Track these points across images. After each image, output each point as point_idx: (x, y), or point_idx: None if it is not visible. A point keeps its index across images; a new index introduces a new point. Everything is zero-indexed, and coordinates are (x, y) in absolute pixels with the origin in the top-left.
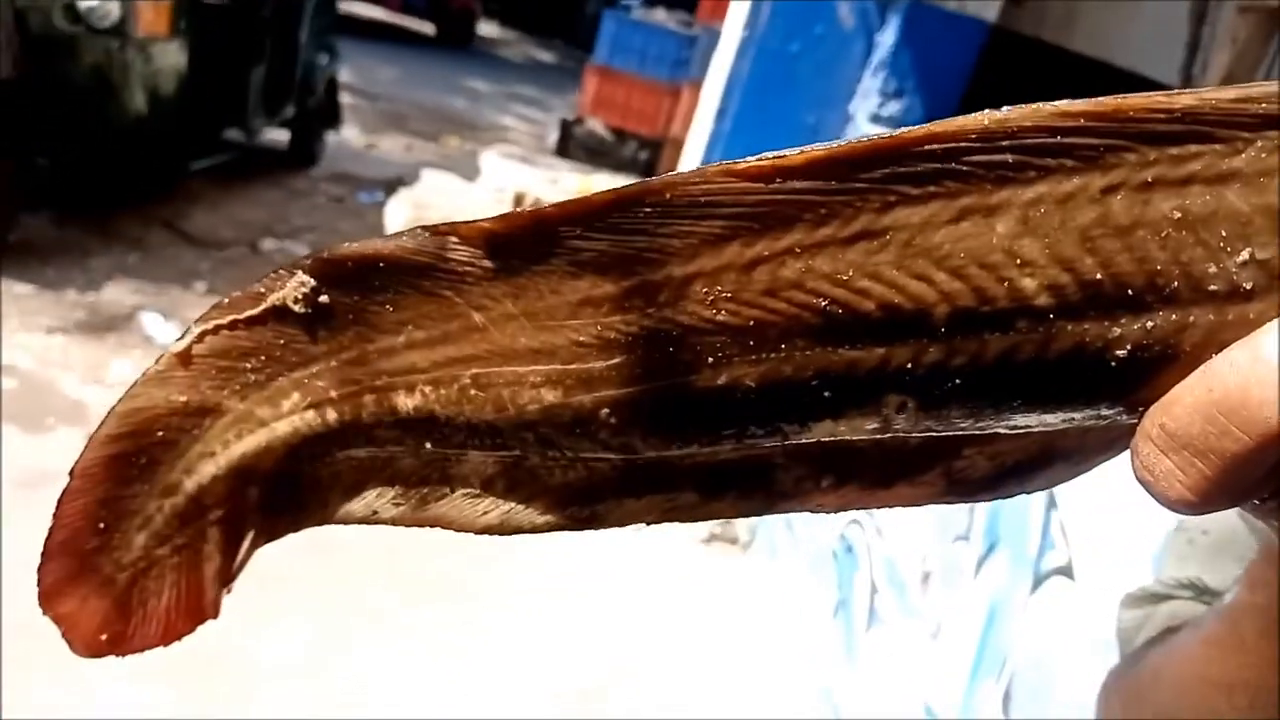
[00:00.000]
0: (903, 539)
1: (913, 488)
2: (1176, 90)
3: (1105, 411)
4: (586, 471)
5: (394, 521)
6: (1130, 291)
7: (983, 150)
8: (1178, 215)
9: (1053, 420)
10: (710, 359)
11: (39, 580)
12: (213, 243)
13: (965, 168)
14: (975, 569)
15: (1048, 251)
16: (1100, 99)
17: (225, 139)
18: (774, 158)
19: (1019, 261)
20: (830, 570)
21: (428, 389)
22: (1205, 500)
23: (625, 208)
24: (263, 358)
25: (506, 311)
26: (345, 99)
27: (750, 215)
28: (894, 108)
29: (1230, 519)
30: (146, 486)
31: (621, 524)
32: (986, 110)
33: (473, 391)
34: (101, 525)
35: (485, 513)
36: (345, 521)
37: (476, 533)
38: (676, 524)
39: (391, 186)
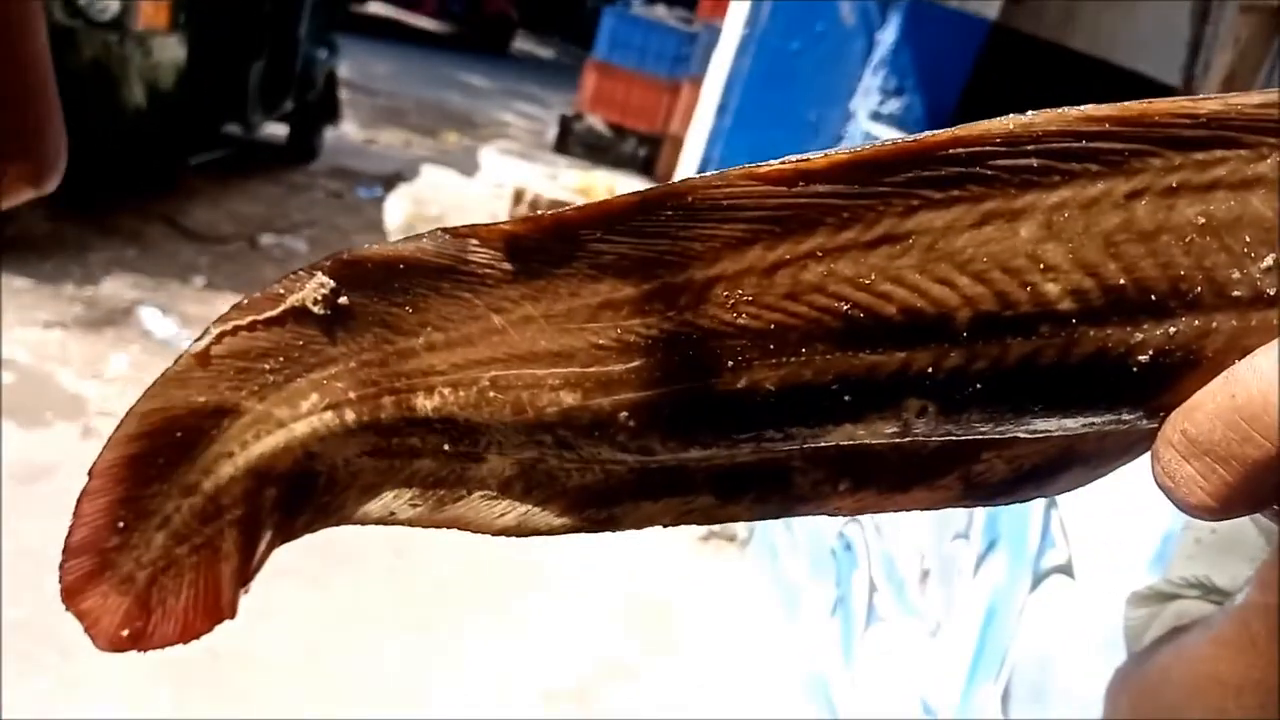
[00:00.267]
0: (902, 537)
1: (930, 491)
2: (1201, 95)
3: (1126, 416)
4: (604, 474)
5: (411, 522)
6: (1153, 296)
7: (1007, 154)
8: (1202, 220)
9: (1073, 425)
10: (730, 362)
11: (61, 576)
12: (211, 237)
13: (989, 172)
14: (974, 567)
15: (1071, 256)
16: (1125, 104)
17: (224, 133)
18: (796, 161)
19: (1042, 266)
20: (829, 568)
21: (446, 391)
22: (1226, 506)
23: (647, 211)
24: (281, 359)
25: (526, 314)
26: (344, 94)
27: (772, 219)
28: (894, 105)
29: (1238, 519)
30: (165, 486)
31: (638, 526)
32: (1011, 114)
33: (492, 394)
34: (121, 524)
35: (502, 514)
36: (363, 522)
37: (494, 534)
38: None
39: (390, 182)
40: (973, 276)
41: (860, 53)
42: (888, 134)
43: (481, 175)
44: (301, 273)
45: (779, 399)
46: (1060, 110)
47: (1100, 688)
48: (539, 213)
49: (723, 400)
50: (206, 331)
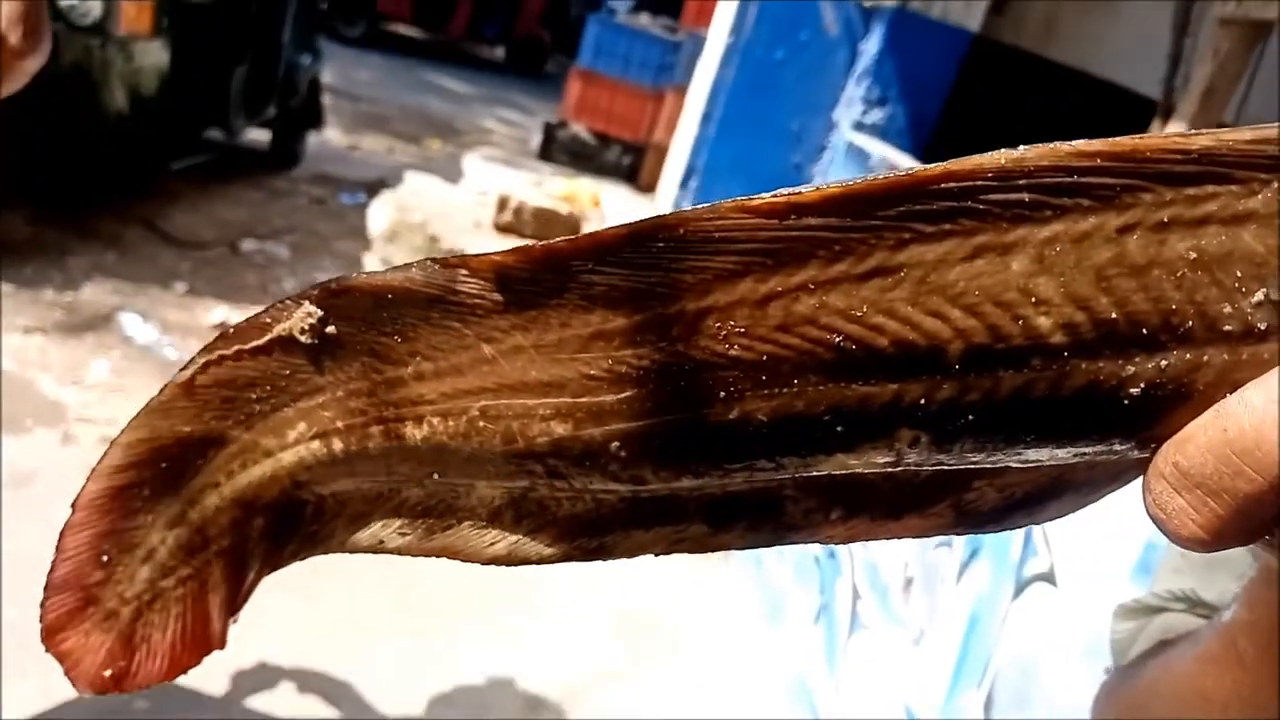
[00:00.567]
0: (885, 545)
1: (922, 519)
2: (1193, 130)
3: (1117, 447)
4: (595, 503)
5: (400, 551)
6: (1145, 330)
7: (999, 189)
8: (1193, 255)
9: (1064, 455)
10: (722, 393)
11: (41, 615)
12: (193, 243)
13: (981, 206)
14: (957, 575)
15: (1063, 290)
16: (1117, 139)
17: (206, 139)
18: (788, 194)
19: (1034, 299)
20: (813, 575)
21: (436, 420)
22: (1218, 539)
23: (638, 242)
24: (268, 388)
25: (516, 344)
26: (327, 100)
27: (764, 251)
28: (877, 115)
29: None
30: (150, 518)
31: (630, 555)
32: (1002, 149)
33: (482, 423)
34: (105, 558)
35: (492, 543)
36: (351, 551)
37: (483, 563)
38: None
39: (373, 188)
40: (965, 309)
41: (843, 63)
42: (871, 144)
43: (465, 182)
44: (288, 301)
45: (771, 430)
46: (1053, 145)
47: (1082, 695)
48: (529, 243)
49: (715, 431)
50: (192, 361)
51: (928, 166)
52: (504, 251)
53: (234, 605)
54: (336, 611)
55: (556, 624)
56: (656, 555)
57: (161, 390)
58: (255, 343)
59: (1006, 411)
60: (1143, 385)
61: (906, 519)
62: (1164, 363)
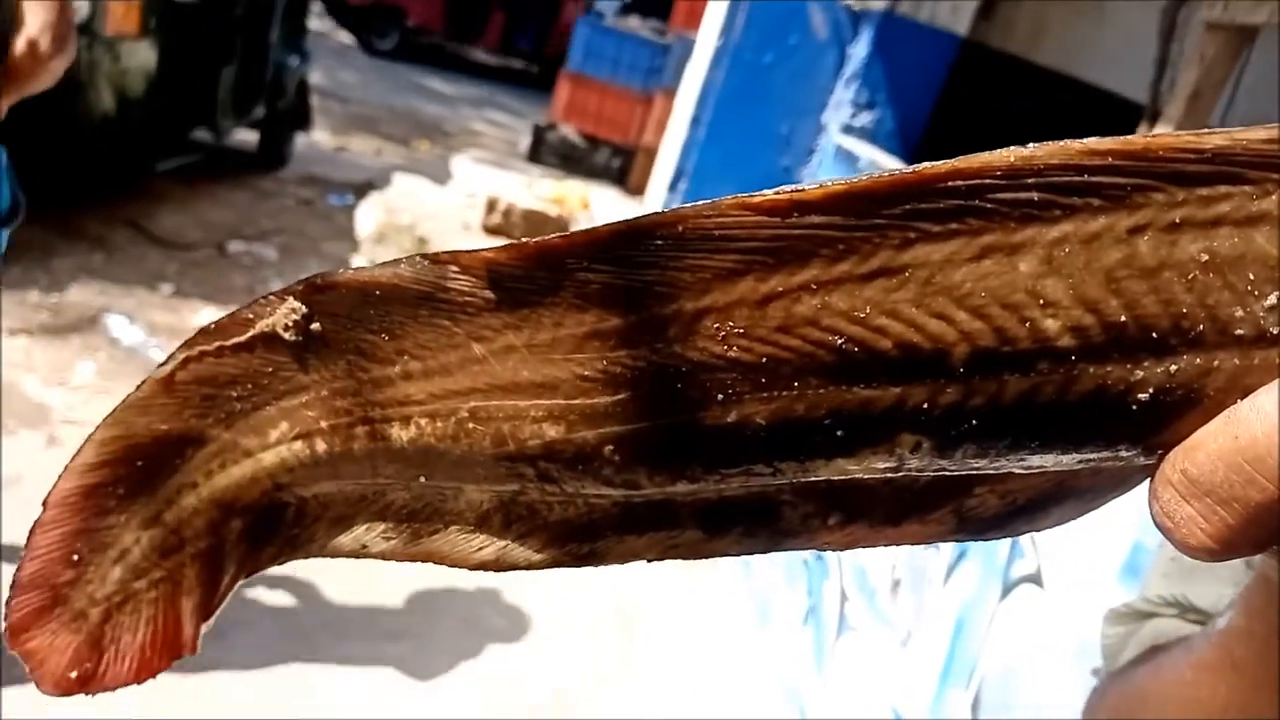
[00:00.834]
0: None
1: (922, 526)
2: (1206, 130)
3: (1124, 453)
4: (587, 508)
5: (384, 556)
6: (1154, 334)
7: (1007, 188)
8: (1205, 257)
9: (1069, 461)
10: (720, 396)
11: (8, 614)
12: (179, 244)
13: (989, 205)
14: (945, 576)
15: (1072, 292)
16: (1128, 138)
17: (194, 139)
18: (791, 191)
19: (1042, 301)
20: (801, 577)
21: (423, 421)
22: (1228, 548)
23: (635, 240)
24: (249, 386)
25: (508, 343)
26: (315, 101)
27: (765, 250)
28: (866, 118)
29: None
30: (124, 518)
31: (622, 561)
32: (1011, 147)
33: (471, 425)
34: (76, 558)
35: (480, 548)
36: (333, 555)
37: (470, 569)
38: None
39: (362, 190)
40: (970, 311)
41: (832, 66)
42: (860, 147)
43: (454, 184)
44: (272, 297)
45: (770, 433)
46: (1063, 143)
47: (1069, 696)
48: (522, 240)
49: (712, 434)
50: (172, 357)
51: (934, 164)
52: (496, 248)
53: (208, 609)
54: (322, 610)
55: (545, 625)
56: (649, 561)
57: (140, 386)
58: (237, 339)
59: (1011, 417)
60: (1151, 390)
61: (906, 525)
62: (1174, 367)
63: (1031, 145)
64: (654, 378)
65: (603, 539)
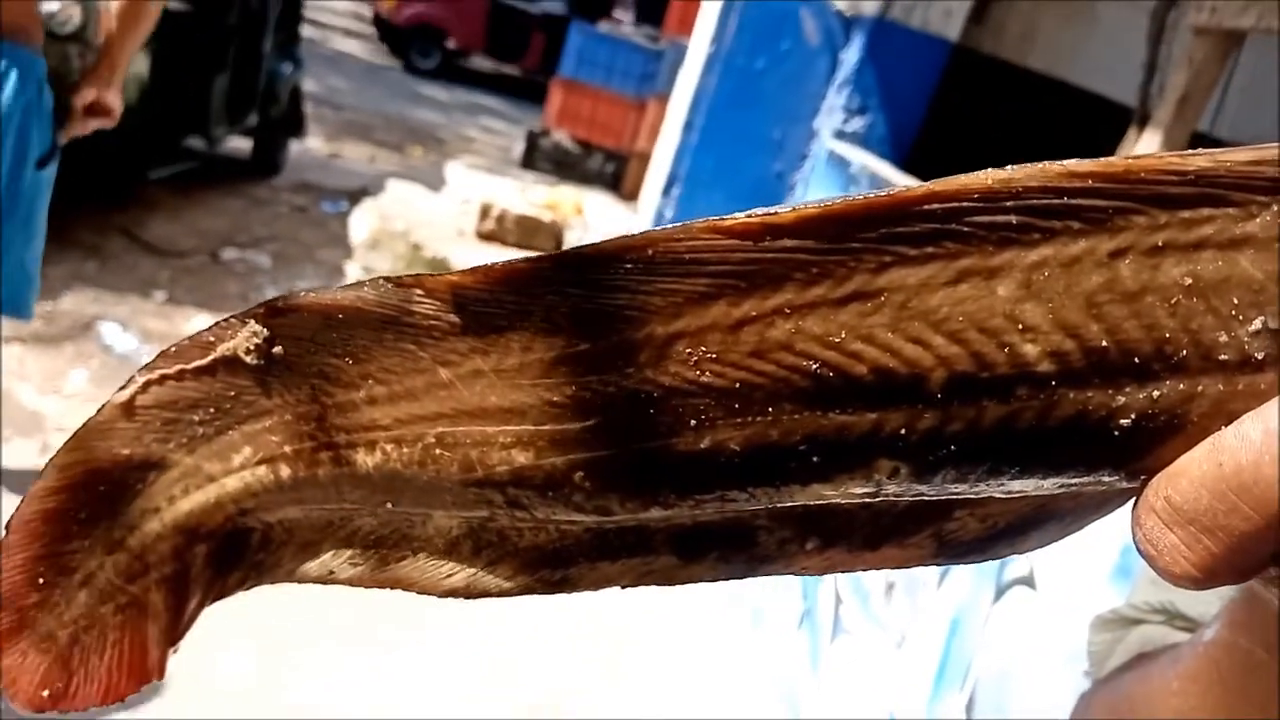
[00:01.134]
0: None
1: (901, 550)
2: (1189, 151)
3: (1105, 478)
4: (558, 534)
5: (352, 582)
6: (1136, 359)
7: (985, 210)
8: (1188, 281)
9: (1050, 485)
10: (693, 421)
11: None
12: (173, 252)
13: (966, 228)
14: (939, 579)
15: (1051, 316)
16: (1109, 159)
17: (187, 147)
18: (763, 215)
19: (1020, 326)
20: (795, 580)
21: (389, 447)
22: (1211, 577)
23: (605, 263)
24: (212, 410)
25: (475, 368)
26: (308, 108)
27: (737, 274)
28: (858, 124)
29: None
30: (88, 542)
31: (596, 588)
32: (989, 169)
33: (438, 451)
34: (41, 581)
35: (449, 575)
36: (300, 580)
37: (440, 595)
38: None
39: (355, 196)
40: (948, 336)
41: (824, 72)
42: (852, 152)
43: (448, 190)
44: (233, 320)
45: (744, 459)
46: (1042, 165)
47: (1062, 697)
48: (489, 263)
49: (685, 461)
50: (131, 380)
51: (910, 187)
52: (462, 271)
53: (174, 635)
54: (306, 622)
55: (540, 628)
56: (623, 588)
57: (100, 410)
58: (198, 362)
59: (990, 442)
60: (1133, 416)
61: (885, 550)
62: (1156, 393)
63: (1010, 167)
64: (625, 403)
65: (575, 566)
